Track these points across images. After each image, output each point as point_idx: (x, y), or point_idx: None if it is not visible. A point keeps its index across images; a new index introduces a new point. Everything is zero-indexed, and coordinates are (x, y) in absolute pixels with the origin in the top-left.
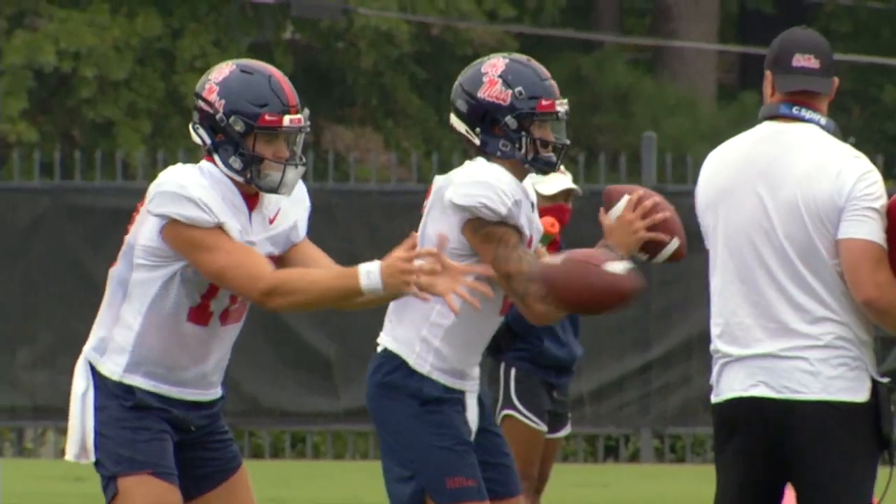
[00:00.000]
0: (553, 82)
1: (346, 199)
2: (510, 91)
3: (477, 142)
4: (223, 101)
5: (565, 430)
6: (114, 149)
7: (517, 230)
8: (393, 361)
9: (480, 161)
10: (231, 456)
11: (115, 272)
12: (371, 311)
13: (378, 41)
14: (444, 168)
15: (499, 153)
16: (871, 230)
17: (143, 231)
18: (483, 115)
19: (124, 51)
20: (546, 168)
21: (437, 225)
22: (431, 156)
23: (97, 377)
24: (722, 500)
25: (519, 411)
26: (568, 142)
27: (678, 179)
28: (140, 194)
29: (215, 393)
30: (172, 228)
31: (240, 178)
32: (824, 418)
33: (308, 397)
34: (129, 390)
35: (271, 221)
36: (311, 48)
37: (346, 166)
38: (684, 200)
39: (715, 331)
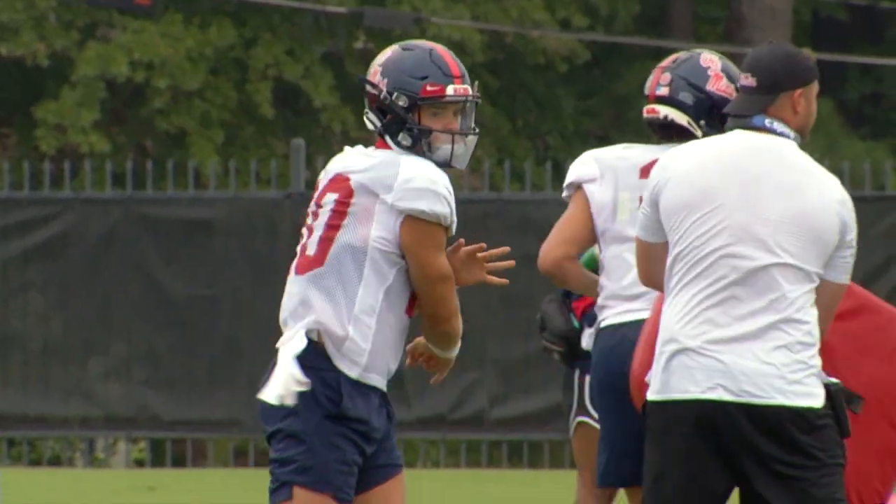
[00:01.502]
0: None
1: None
2: (734, 85)
3: (700, 134)
4: (385, 80)
5: None
6: (186, 159)
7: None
8: None
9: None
10: (395, 456)
11: (327, 272)
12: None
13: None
14: (517, 176)
15: None
16: (849, 273)
17: (379, 228)
18: (710, 109)
19: (197, 61)
20: None
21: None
22: (504, 164)
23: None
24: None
25: (593, 418)
26: None
27: None
28: (212, 204)
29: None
30: (417, 223)
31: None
32: (784, 423)
33: None
34: (363, 391)
35: None
36: None
37: None
38: None
39: (675, 324)
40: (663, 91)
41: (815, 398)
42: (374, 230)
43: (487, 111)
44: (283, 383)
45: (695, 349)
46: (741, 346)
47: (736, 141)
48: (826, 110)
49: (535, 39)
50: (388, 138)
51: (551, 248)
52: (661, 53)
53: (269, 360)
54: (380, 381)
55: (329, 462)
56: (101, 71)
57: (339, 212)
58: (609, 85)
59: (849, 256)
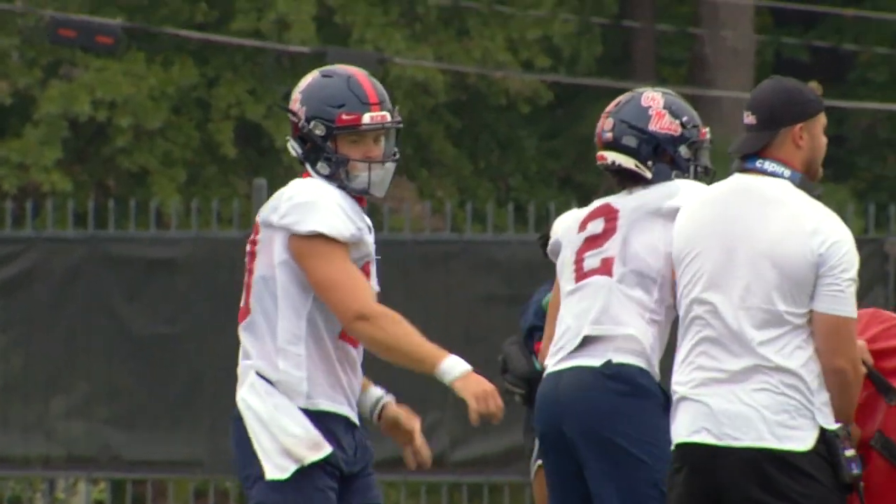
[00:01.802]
0: None
1: (381, 249)
2: (678, 121)
3: (649, 175)
4: (304, 108)
5: None
6: (148, 198)
7: None
8: (631, 370)
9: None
10: (372, 496)
11: (254, 317)
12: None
13: (413, 91)
14: (478, 217)
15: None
16: (850, 304)
17: (277, 251)
18: (656, 148)
19: (160, 100)
20: None
21: (644, 236)
22: (465, 205)
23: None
24: None
25: None
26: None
27: None
28: (175, 243)
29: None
30: (302, 240)
31: (332, 184)
32: (763, 466)
33: None
34: (318, 416)
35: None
36: None
37: (380, 216)
38: None
39: (675, 373)
40: (608, 136)
41: (798, 441)
42: (275, 257)
43: (450, 152)
44: (284, 449)
45: (687, 396)
46: (724, 389)
47: (725, 186)
48: None
49: (498, 80)
50: (308, 167)
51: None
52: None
53: (229, 399)
54: (335, 407)
55: (302, 493)
56: (63, 109)
57: (252, 252)
58: (572, 126)
59: (833, 286)
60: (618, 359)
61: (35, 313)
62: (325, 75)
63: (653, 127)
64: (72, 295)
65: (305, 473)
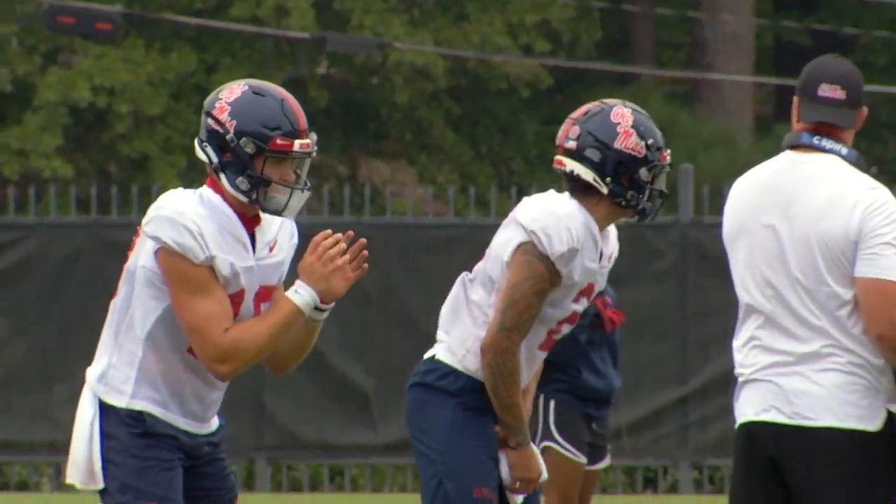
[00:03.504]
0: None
1: (383, 233)
2: (644, 142)
3: (605, 190)
4: (234, 122)
5: (604, 462)
6: (149, 184)
7: (553, 276)
8: (443, 368)
9: (565, 195)
10: (230, 486)
11: (117, 300)
12: (412, 344)
13: (413, 76)
14: (480, 202)
15: (623, 203)
16: (887, 267)
17: (143, 255)
18: (617, 165)
19: (159, 86)
20: (642, 216)
21: (502, 236)
22: (468, 190)
23: (104, 406)
24: None
25: (558, 443)
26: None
27: (714, 211)
28: None
29: (212, 426)
30: (166, 255)
31: (244, 199)
32: (835, 445)
33: (346, 430)
34: (139, 417)
35: (271, 249)
36: (346, 83)
37: (382, 200)
38: (721, 232)
39: (736, 356)
40: (571, 144)
41: (868, 421)
42: (141, 259)
43: (450, 137)
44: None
45: (754, 378)
46: (793, 370)
47: (777, 164)
48: None
49: (498, 65)
50: (223, 176)
51: None
52: (624, 78)
53: (232, 381)
54: (162, 414)
55: (143, 474)
56: (62, 96)
57: (133, 242)
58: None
59: (870, 251)
60: (439, 355)
61: (37, 299)
62: (256, 92)
63: (618, 145)
64: (74, 281)
65: (147, 456)
